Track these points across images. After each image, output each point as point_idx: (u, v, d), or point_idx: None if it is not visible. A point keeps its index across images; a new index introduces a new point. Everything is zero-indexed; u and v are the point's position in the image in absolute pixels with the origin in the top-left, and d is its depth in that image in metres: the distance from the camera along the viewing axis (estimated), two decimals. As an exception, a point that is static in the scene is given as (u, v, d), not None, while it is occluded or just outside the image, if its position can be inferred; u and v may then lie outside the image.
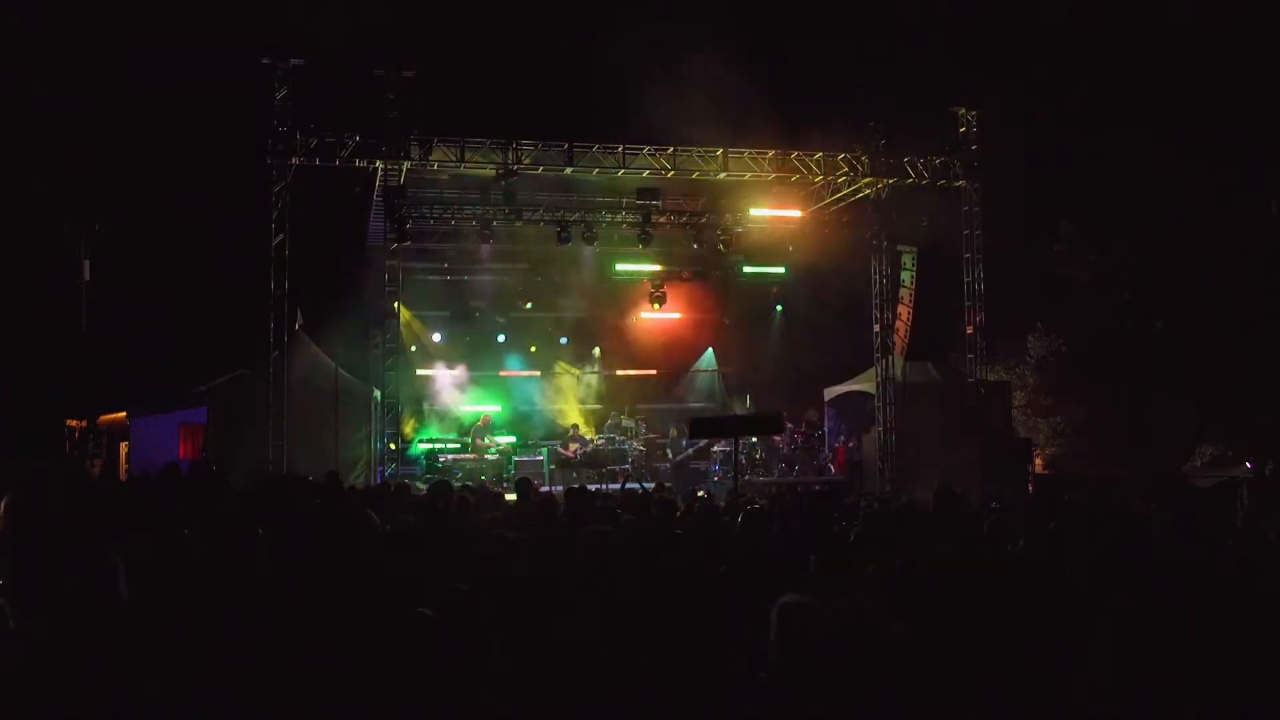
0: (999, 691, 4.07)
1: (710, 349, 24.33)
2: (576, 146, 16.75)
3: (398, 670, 3.71)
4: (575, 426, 20.66)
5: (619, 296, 22.55)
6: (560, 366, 23.04)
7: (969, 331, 18.37)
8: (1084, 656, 3.85)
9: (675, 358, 23.97)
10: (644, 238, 18.21)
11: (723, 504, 9.86)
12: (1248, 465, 18.86)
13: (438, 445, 19.30)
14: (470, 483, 14.95)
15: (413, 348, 20.98)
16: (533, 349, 22.72)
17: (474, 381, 21.39)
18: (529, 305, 22.39)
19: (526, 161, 16.60)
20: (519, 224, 18.05)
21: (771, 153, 17.43)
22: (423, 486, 14.61)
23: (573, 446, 19.77)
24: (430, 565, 5.25)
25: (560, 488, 15.55)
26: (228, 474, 10.38)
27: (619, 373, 23.20)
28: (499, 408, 21.10)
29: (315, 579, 4.69)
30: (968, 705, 3.83)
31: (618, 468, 19.04)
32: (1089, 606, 4.56)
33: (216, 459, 15.73)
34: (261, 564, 4.30)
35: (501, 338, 22.24)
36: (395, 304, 16.99)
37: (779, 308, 23.51)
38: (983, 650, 4.24)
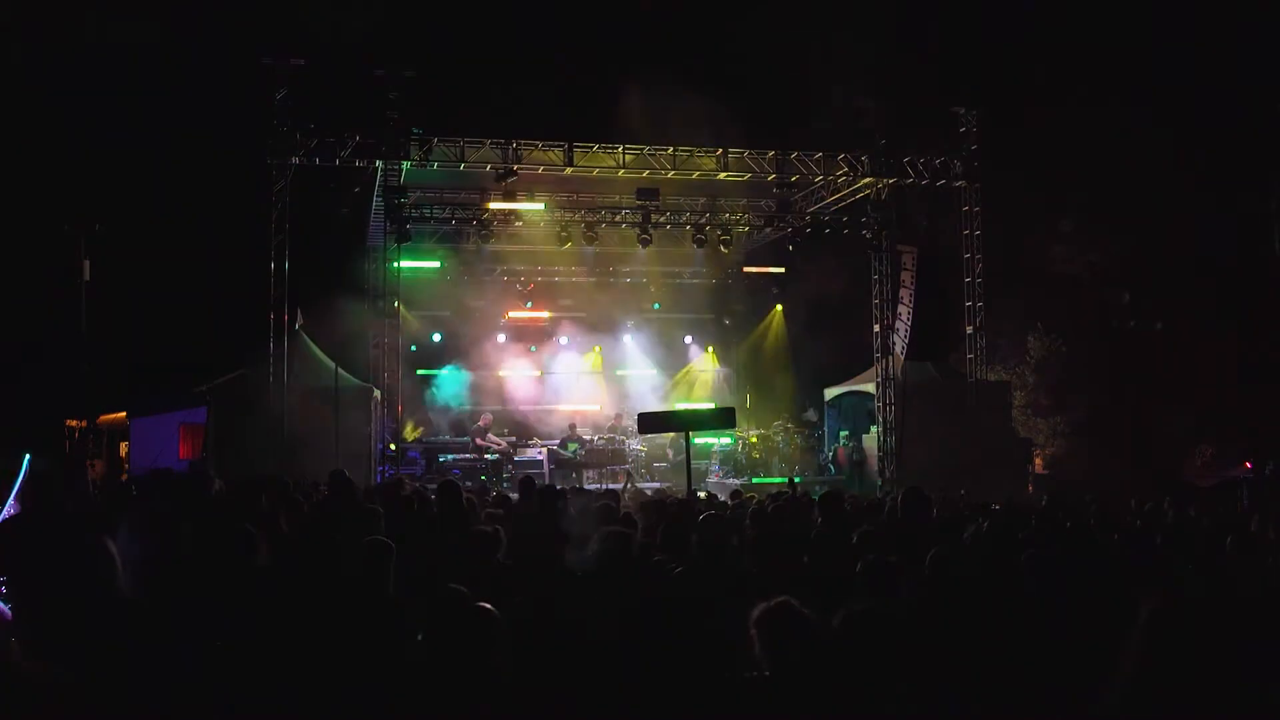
0: (992, 692, 4.07)
1: (710, 349, 24.33)
2: (576, 146, 16.75)
3: (398, 667, 3.72)
4: (574, 426, 20.64)
5: (619, 296, 22.56)
6: (560, 366, 23.03)
7: (969, 331, 18.38)
8: (1081, 657, 3.85)
9: (675, 358, 23.96)
10: (644, 238, 18.22)
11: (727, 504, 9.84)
12: (1247, 465, 18.86)
13: (438, 445, 19.28)
14: (470, 483, 14.94)
15: (413, 347, 20.98)
16: (533, 349, 22.72)
17: (474, 382, 21.38)
18: (530, 305, 22.40)
19: (526, 161, 16.62)
20: (519, 224, 18.05)
21: (771, 153, 17.44)
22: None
23: (571, 446, 19.74)
24: (434, 565, 5.24)
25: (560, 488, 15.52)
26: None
27: (619, 373, 23.20)
28: (499, 407, 21.09)
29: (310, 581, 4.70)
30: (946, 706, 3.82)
31: (618, 468, 19.02)
32: (1086, 606, 4.57)
33: (216, 459, 15.73)
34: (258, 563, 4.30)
35: (501, 338, 22.25)
36: (395, 304, 16.99)
37: (779, 308, 23.51)
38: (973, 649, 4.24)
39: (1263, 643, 3.93)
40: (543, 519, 7.03)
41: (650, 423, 11.64)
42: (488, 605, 3.39)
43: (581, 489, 13.66)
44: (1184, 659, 2.76)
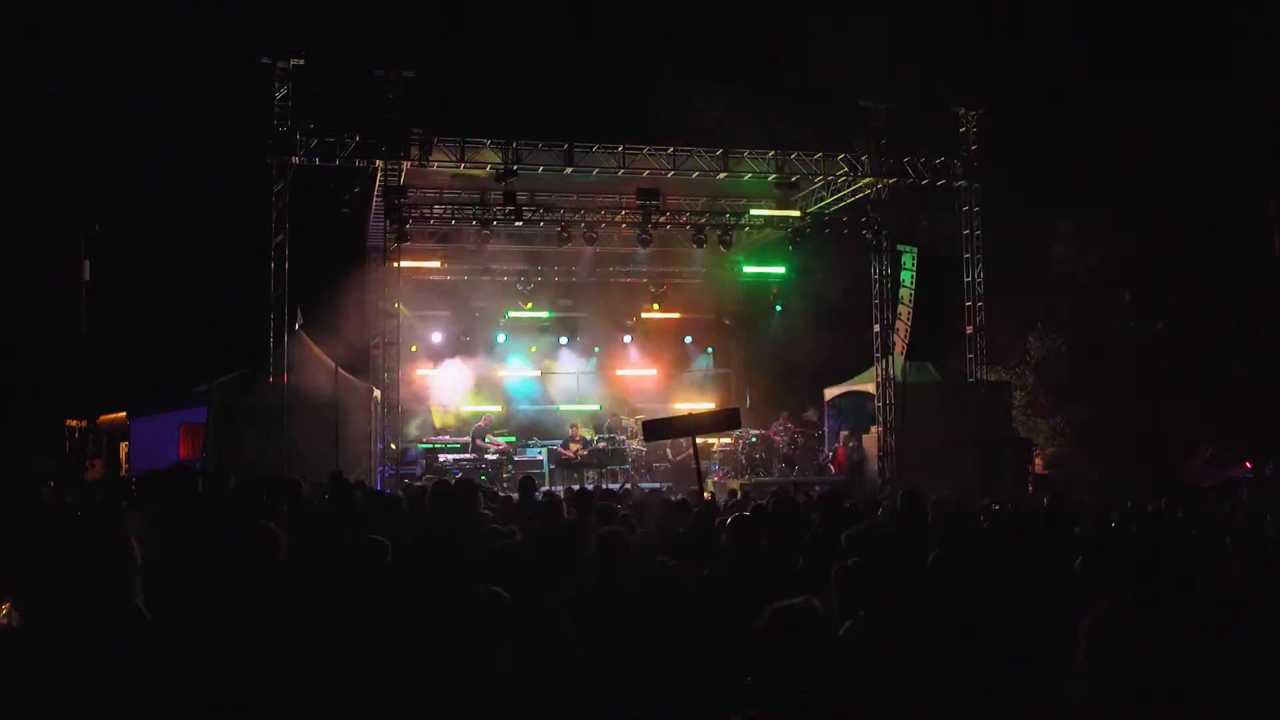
0: (982, 691, 4.07)
1: (710, 349, 24.32)
2: (576, 146, 16.75)
3: (399, 671, 3.72)
4: (575, 426, 20.65)
5: (619, 296, 22.56)
6: (560, 366, 23.03)
7: (969, 331, 18.37)
8: (1074, 655, 3.84)
9: (675, 358, 23.96)
10: (644, 238, 18.21)
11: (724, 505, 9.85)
12: (1247, 465, 18.87)
13: (437, 445, 19.28)
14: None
15: (413, 348, 20.98)
16: (533, 349, 22.72)
17: (474, 381, 21.38)
18: (529, 305, 22.40)
19: (526, 161, 16.62)
20: (519, 224, 18.05)
21: (771, 153, 17.44)
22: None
23: (573, 446, 19.75)
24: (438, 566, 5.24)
25: (560, 488, 15.53)
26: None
27: (619, 373, 23.20)
28: (499, 408, 21.09)
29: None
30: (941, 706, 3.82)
31: (618, 468, 19.03)
32: (1084, 605, 4.56)
33: (216, 459, 15.73)
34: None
35: (502, 338, 22.25)
36: (395, 304, 16.99)
37: (779, 308, 23.52)
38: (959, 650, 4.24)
39: (1263, 642, 3.93)
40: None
41: (656, 430, 11.12)
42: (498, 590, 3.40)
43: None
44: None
